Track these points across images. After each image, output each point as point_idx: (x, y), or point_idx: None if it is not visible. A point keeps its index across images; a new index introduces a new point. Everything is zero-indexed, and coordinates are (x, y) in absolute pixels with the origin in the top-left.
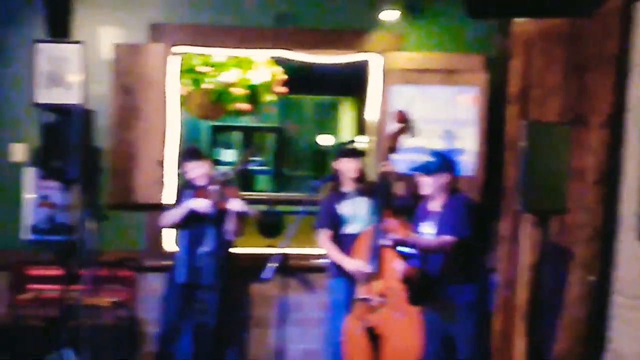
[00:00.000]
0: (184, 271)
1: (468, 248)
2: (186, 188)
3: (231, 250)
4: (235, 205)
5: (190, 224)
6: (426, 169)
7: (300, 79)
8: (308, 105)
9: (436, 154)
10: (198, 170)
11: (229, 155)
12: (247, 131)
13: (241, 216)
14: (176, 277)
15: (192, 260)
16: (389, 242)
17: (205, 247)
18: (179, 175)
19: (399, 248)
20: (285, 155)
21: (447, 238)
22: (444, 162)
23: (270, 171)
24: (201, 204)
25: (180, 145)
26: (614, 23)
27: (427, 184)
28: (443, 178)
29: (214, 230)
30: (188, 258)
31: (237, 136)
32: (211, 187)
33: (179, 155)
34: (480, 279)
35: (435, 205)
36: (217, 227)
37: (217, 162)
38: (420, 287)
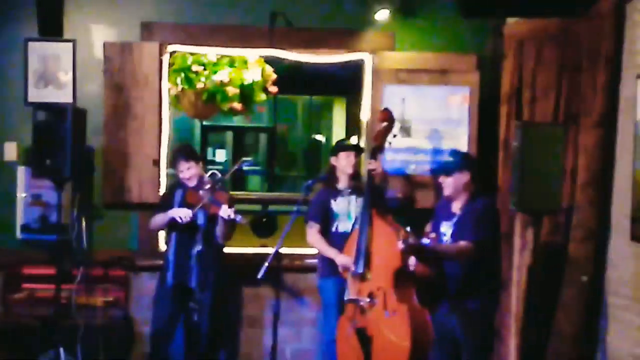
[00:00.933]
0: (172, 273)
1: (484, 252)
2: (177, 187)
3: (222, 250)
4: (225, 211)
5: (179, 226)
6: (445, 169)
7: (292, 78)
8: (300, 105)
9: (455, 153)
10: (191, 171)
11: (220, 155)
12: (239, 131)
13: (230, 222)
14: (165, 279)
15: (180, 262)
16: (403, 246)
17: (194, 249)
18: (168, 174)
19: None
20: (277, 155)
21: (464, 244)
22: (463, 161)
23: (263, 171)
24: (182, 214)
25: (170, 144)
26: (607, 23)
27: (447, 185)
28: (463, 177)
29: (202, 233)
30: (176, 259)
31: (228, 136)
32: (202, 191)
33: (172, 154)
34: (492, 283)
35: (457, 206)
36: (206, 230)
37: (209, 162)
38: (433, 288)
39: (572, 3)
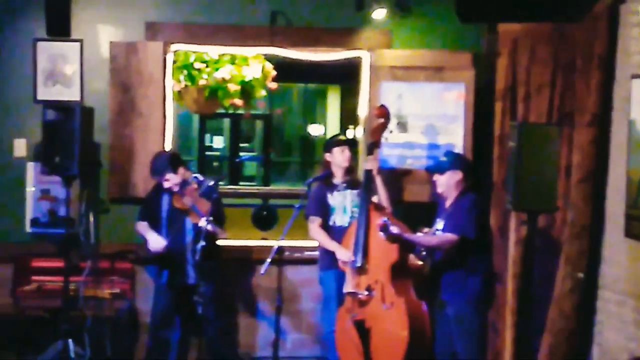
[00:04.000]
0: (165, 271)
1: (470, 245)
2: (164, 191)
3: (217, 244)
4: (203, 223)
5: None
6: (439, 168)
7: (289, 66)
8: (295, 93)
9: (449, 152)
10: (173, 180)
11: (218, 141)
12: (236, 118)
13: (209, 234)
14: (161, 276)
15: (172, 260)
16: (382, 235)
17: (185, 247)
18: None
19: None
20: (273, 141)
21: (448, 236)
22: (456, 161)
23: (259, 158)
24: (156, 245)
25: (172, 140)
26: (600, 24)
27: (441, 183)
28: (455, 176)
29: (192, 234)
30: (167, 258)
31: (226, 123)
32: (186, 197)
33: (155, 164)
34: (483, 276)
35: (448, 203)
36: (195, 231)
37: (207, 149)
38: (428, 280)
39: (568, 7)
